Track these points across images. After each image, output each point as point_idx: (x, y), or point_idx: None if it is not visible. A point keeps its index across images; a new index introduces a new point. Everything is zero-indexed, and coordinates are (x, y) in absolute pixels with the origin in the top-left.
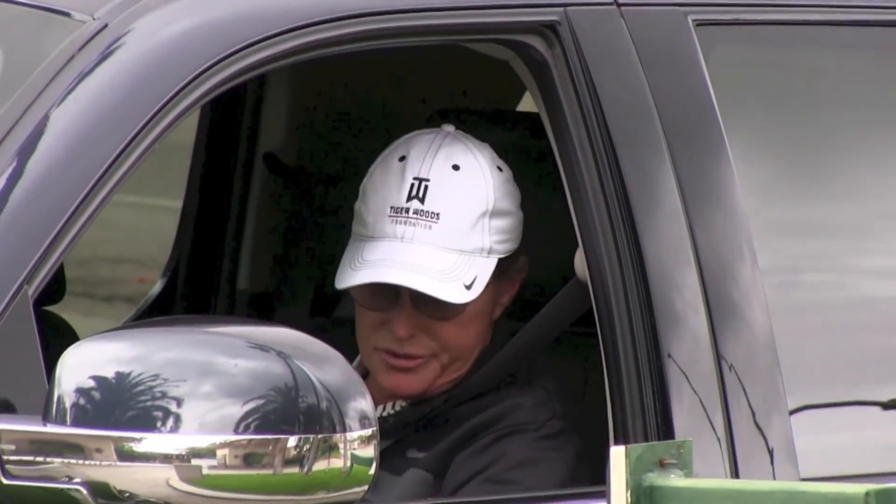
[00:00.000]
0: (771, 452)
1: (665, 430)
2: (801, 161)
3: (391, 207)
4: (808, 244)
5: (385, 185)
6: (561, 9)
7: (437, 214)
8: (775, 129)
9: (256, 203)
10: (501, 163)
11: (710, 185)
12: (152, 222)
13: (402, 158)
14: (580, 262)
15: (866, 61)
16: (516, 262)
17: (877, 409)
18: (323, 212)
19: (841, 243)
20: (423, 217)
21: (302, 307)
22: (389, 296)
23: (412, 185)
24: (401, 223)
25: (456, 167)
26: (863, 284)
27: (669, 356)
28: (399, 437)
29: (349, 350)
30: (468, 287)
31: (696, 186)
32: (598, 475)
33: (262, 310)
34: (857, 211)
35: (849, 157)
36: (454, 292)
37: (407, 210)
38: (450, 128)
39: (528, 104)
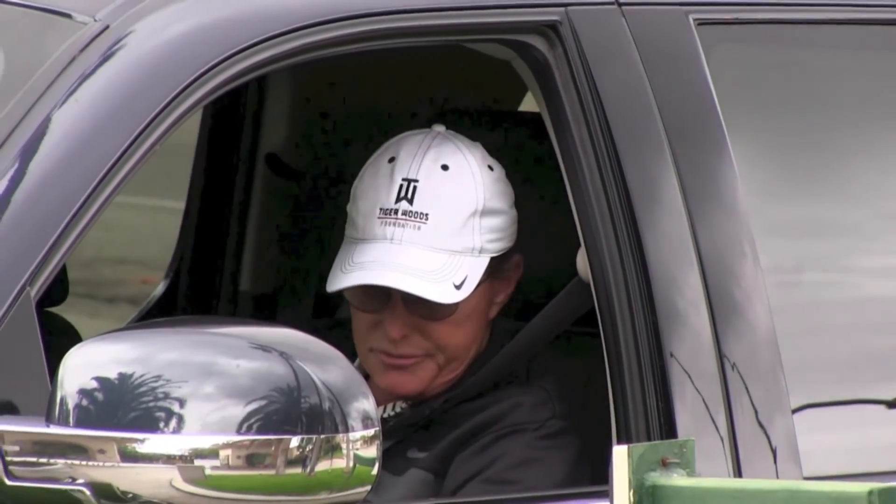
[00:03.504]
0: (774, 451)
1: (668, 429)
2: (803, 160)
3: (380, 209)
4: (810, 243)
5: (374, 187)
6: (562, 8)
7: (426, 215)
8: (777, 128)
9: (258, 204)
10: (493, 161)
11: (712, 183)
12: (156, 223)
13: (392, 160)
14: (582, 261)
15: (867, 60)
16: (510, 260)
17: (879, 407)
18: (325, 212)
19: (842, 243)
20: (412, 218)
21: (304, 308)
22: (382, 297)
23: (401, 186)
24: (390, 224)
25: (445, 167)
26: (864, 284)
27: (672, 355)
28: (400, 437)
29: (351, 351)
30: (458, 287)
31: (697, 185)
32: (599, 475)
33: (265, 311)
34: (859, 210)
35: (850, 156)
36: (443, 293)
37: (396, 211)
38: (440, 128)
39: (530, 104)
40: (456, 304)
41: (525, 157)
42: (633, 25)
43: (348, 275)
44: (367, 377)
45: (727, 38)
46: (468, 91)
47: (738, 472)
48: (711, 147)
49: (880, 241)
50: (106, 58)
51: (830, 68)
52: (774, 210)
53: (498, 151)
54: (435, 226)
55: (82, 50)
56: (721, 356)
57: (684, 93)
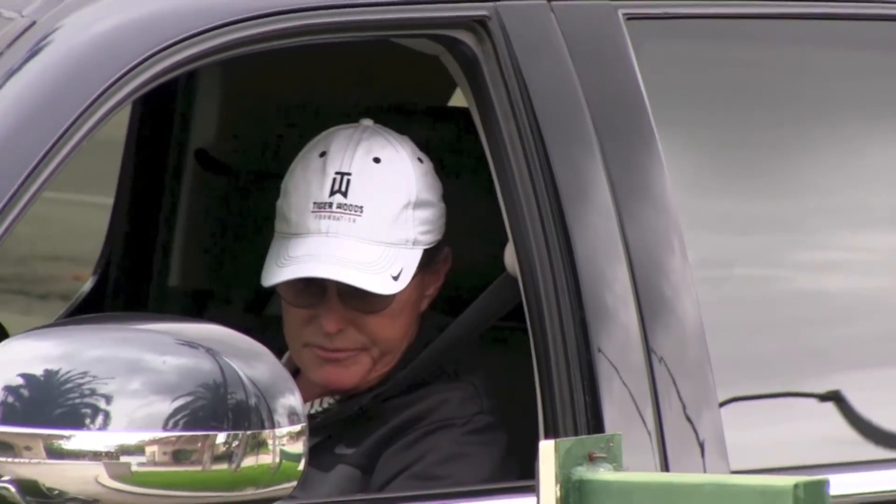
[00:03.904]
0: (701, 445)
1: (595, 424)
2: (732, 156)
3: (314, 203)
4: (739, 239)
5: (306, 181)
6: (491, 4)
7: (361, 207)
8: (706, 123)
9: (188, 200)
10: (422, 154)
11: (641, 179)
12: (89, 219)
13: (323, 154)
14: (510, 256)
15: (798, 55)
16: (440, 253)
17: (805, 401)
18: (255, 208)
19: (771, 238)
20: (347, 211)
21: (234, 305)
22: (316, 291)
23: (334, 179)
24: (325, 218)
25: (377, 160)
26: (792, 279)
27: (599, 350)
28: (328, 434)
29: (281, 347)
30: (395, 278)
31: (626, 181)
32: (526, 470)
33: (194, 307)
34: (788, 206)
35: (780, 151)
36: (382, 284)
37: (330, 205)
38: (368, 122)
39: (459, 99)
40: (392, 297)
41: (453, 151)
42: (561, 21)
43: (284, 269)
44: (295, 373)
45: (656, 33)
46: (397, 86)
47: (666, 467)
48: (640, 143)
49: (809, 237)
50: (33, 53)
51: (760, 63)
52: (703, 205)
53: (426, 146)
54: (370, 218)
55: (9, 45)
56: (649, 351)
57: (613, 88)
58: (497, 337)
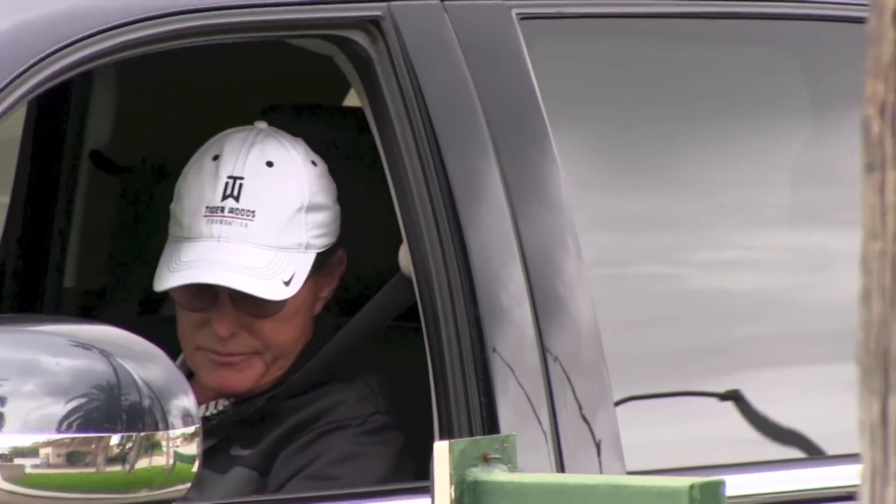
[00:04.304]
0: (597, 446)
1: (490, 424)
2: (626, 154)
3: (206, 207)
4: (634, 238)
5: (199, 184)
6: (384, 4)
7: (253, 212)
8: (600, 122)
9: (83, 200)
10: (316, 157)
11: (535, 179)
12: None
13: (216, 157)
14: (404, 256)
15: (692, 54)
16: (334, 255)
17: (701, 401)
18: (151, 209)
19: (667, 237)
20: (239, 215)
21: (129, 306)
22: (209, 296)
23: (227, 183)
24: (216, 222)
25: (270, 164)
26: (686, 277)
27: (494, 350)
28: (223, 436)
29: (176, 349)
30: (287, 283)
31: (520, 180)
32: (422, 470)
33: (90, 308)
34: (682, 204)
35: (676, 150)
36: (273, 289)
37: (222, 209)
38: (262, 124)
39: (354, 99)
40: (284, 301)
41: (347, 152)
42: (455, 20)
43: (176, 273)
44: (189, 375)
45: (550, 32)
46: (292, 87)
47: (561, 468)
48: (534, 142)
49: (704, 235)
50: None
51: (654, 61)
52: (598, 204)
53: (320, 147)
54: (262, 223)
55: None
56: (544, 351)
57: (507, 88)
58: (393, 337)
